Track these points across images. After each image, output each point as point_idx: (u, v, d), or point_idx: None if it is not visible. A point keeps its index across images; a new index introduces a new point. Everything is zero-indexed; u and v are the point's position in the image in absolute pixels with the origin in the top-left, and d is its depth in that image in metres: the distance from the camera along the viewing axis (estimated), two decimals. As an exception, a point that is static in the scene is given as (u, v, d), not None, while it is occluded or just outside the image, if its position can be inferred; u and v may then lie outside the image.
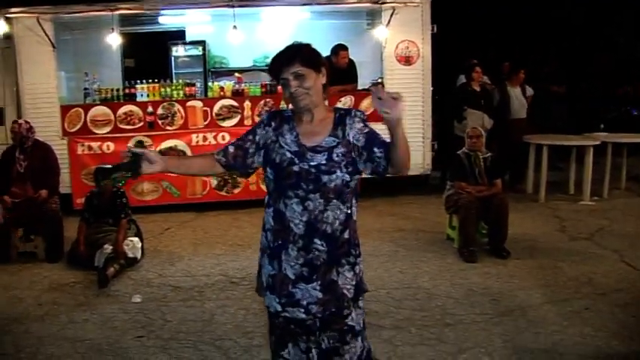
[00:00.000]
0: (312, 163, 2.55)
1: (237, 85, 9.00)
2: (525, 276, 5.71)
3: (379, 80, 9.11)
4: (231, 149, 2.69)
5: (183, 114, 8.83)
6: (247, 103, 8.89)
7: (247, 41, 9.51)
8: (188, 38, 10.40)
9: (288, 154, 2.58)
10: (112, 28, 9.08)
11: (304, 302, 2.60)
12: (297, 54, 2.58)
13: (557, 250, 6.48)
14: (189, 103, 8.87)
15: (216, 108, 8.85)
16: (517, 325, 4.60)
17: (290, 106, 2.66)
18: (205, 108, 8.85)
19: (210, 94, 9.16)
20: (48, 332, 4.75)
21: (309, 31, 9.75)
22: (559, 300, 5.10)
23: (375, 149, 2.59)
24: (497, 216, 6.32)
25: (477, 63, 9.34)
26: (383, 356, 4.12)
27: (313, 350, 2.68)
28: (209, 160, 2.72)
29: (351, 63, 9.08)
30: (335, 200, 2.57)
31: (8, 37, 8.84)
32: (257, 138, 2.68)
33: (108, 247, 6.15)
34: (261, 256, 2.74)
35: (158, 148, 8.61)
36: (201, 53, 10.10)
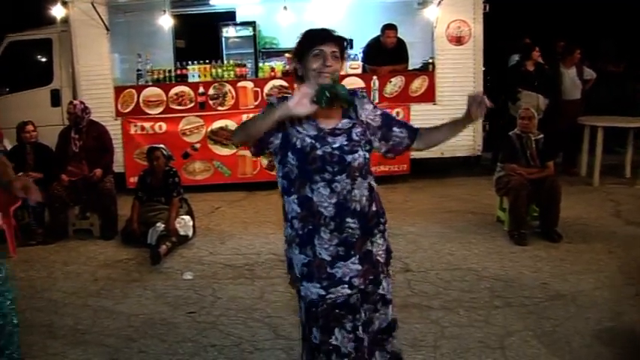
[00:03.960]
0: (334, 146, 2.59)
1: (287, 66, 9.02)
2: (577, 260, 5.58)
3: (430, 60, 9.00)
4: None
5: (234, 94, 8.90)
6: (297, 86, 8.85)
7: (297, 21, 9.46)
8: (238, 19, 10.45)
9: (308, 139, 2.60)
10: (164, 10, 9.22)
11: (346, 278, 2.64)
12: (340, 38, 2.64)
13: (611, 235, 6.28)
14: (240, 84, 8.93)
15: (266, 88, 8.88)
16: (567, 310, 4.50)
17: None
18: (256, 88, 8.90)
19: (260, 74, 9.20)
20: (104, 306, 4.90)
21: (359, 10, 9.77)
22: (611, 286, 4.96)
23: (395, 129, 2.75)
24: (549, 199, 6.20)
25: (532, 43, 9.16)
26: (430, 337, 4.11)
27: (360, 328, 2.71)
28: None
29: (401, 43, 8.96)
30: (359, 178, 2.63)
31: (65, 21, 9.05)
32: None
33: (160, 225, 6.29)
34: (289, 247, 2.75)
35: (209, 128, 8.74)
36: (251, 34, 10.15)
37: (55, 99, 9.58)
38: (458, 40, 8.97)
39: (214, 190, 8.78)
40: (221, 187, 8.88)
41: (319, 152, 2.58)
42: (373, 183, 2.75)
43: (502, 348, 3.96)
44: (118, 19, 9.54)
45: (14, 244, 6.46)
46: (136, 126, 8.90)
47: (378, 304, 2.78)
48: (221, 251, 6.21)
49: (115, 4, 9.18)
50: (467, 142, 8.97)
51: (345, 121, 2.67)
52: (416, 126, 2.85)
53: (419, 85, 8.83)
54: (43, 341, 4.20)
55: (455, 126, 2.74)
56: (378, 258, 2.74)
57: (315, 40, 2.60)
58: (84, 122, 7.06)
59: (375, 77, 8.77)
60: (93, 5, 8.72)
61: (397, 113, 8.59)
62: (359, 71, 8.86)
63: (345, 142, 2.62)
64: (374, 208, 2.71)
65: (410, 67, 9.14)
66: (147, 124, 8.90)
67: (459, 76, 8.88)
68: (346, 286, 2.64)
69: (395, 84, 8.78)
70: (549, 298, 4.74)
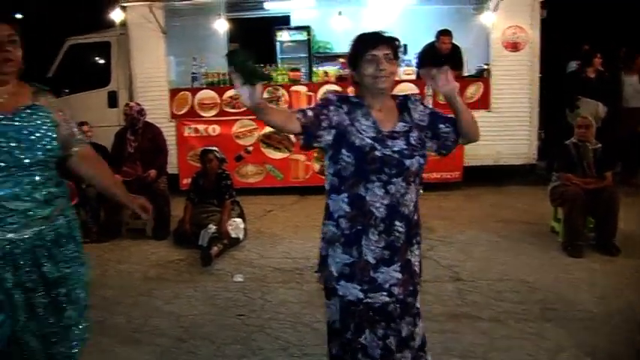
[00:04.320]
0: (394, 149, 2.61)
1: (341, 71, 9.03)
2: (634, 275, 5.38)
3: (485, 67, 8.90)
4: (309, 113, 2.62)
5: (288, 98, 8.97)
6: (351, 89, 8.82)
7: (352, 26, 9.48)
8: (293, 23, 10.54)
9: (368, 140, 2.60)
10: (219, 14, 9.34)
11: (386, 285, 2.66)
12: (394, 40, 2.65)
13: (674, 251, 6.05)
14: (293, 88, 9.00)
15: (320, 93, 8.90)
16: (625, 327, 4.33)
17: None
18: (309, 93, 8.94)
19: (314, 78, 9.26)
20: (154, 305, 4.97)
21: (413, 16, 9.71)
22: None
23: (441, 125, 2.75)
24: (606, 210, 6.02)
25: (592, 49, 8.97)
26: (480, 348, 4.04)
27: (392, 338, 2.72)
28: (289, 115, 2.63)
29: (456, 49, 8.88)
30: (413, 184, 2.66)
31: (123, 25, 9.29)
32: (331, 115, 2.62)
33: (212, 227, 6.35)
34: (328, 245, 2.75)
35: (262, 132, 8.81)
36: (305, 38, 10.18)
37: (112, 100, 9.80)
38: (514, 47, 8.85)
39: (266, 194, 8.84)
40: (273, 191, 8.93)
41: (378, 154, 2.59)
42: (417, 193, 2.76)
43: (554, 363, 3.86)
44: (174, 23, 9.67)
45: (70, 241, 6.56)
46: (190, 128, 9.03)
47: (416, 317, 2.80)
48: (271, 254, 6.24)
49: (172, 8, 9.32)
50: (522, 150, 8.85)
51: (401, 124, 2.69)
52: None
53: (473, 91, 8.75)
54: (95, 337, 4.21)
55: (453, 111, 2.74)
56: (415, 269, 2.79)
57: (367, 45, 2.61)
58: (140, 124, 7.20)
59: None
60: (150, 9, 8.91)
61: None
62: (413, 77, 8.83)
63: (405, 147, 2.63)
64: (416, 217, 2.75)
65: (465, 74, 9.05)
66: (201, 127, 9.02)
67: (515, 82, 8.78)
68: (385, 293, 2.67)
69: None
70: (605, 314, 4.57)
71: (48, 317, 2.76)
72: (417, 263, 2.80)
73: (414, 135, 2.67)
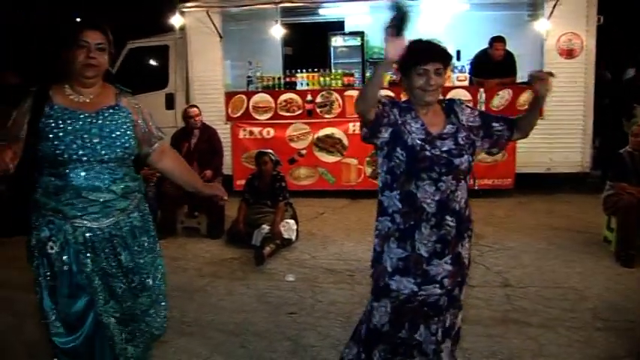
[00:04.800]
0: (443, 149, 2.75)
1: (394, 76, 9.07)
2: (688, 286, 5.30)
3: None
4: (385, 104, 2.77)
5: (341, 103, 9.04)
6: (404, 94, 8.87)
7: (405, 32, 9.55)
8: (347, 29, 10.63)
9: (418, 141, 2.74)
10: (276, 20, 9.50)
11: (438, 277, 2.80)
12: (445, 53, 2.79)
13: None
14: (347, 93, 9.07)
15: (373, 98, 8.95)
16: (678, 339, 4.28)
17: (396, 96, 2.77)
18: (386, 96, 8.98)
19: (368, 84, 9.29)
20: (208, 301, 5.12)
21: (467, 22, 9.71)
22: None
23: (494, 124, 2.92)
24: (660, 220, 5.96)
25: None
26: (527, 353, 4.06)
27: (439, 330, 2.87)
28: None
29: (509, 55, 8.83)
30: (463, 181, 2.81)
31: (181, 29, 9.53)
32: (390, 114, 2.76)
33: (265, 227, 6.49)
34: (383, 241, 2.88)
35: (316, 135, 8.93)
36: (359, 44, 10.29)
37: (170, 102, 10.06)
38: (569, 54, 8.74)
39: (318, 197, 8.95)
40: (325, 194, 9.04)
41: (428, 153, 2.72)
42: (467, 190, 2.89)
43: (602, 371, 3.84)
44: (230, 27, 9.89)
45: (127, 238, 6.79)
46: (244, 130, 9.21)
47: (458, 310, 2.96)
48: (323, 256, 6.34)
49: (229, 13, 9.52)
50: (575, 158, 8.75)
51: (450, 126, 2.82)
52: (513, 118, 3.02)
53: (526, 98, 8.64)
54: (151, 330, 4.45)
55: (532, 109, 2.97)
56: (465, 261, 2.93)
57: (420, 59, 2.72)
58: (198, 125, 7.39)
59: (481, 90, 8.70)
60: (208, 14, 9.13)
61: (503, 127, 8.51)
62: (466, 83, 8.85)
63: (453, 146, 2.77)
64: (467, 213, 2.88)
65: (518, 80, 8.96)
66: (255, 129, 9.20)
67: (569, 90, 8.63)
68: (437, 285, 2.80)
69: (502, 97, 8.67)
70: (658, 325, 4.52)
71: (126, 300, 2.99)
72: (466, 256, 2.93)
73: (461, 135, 2.81)
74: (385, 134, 2.78)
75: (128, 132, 2.92)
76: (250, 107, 9.27)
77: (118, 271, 2.95)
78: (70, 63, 2.84)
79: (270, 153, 7.00)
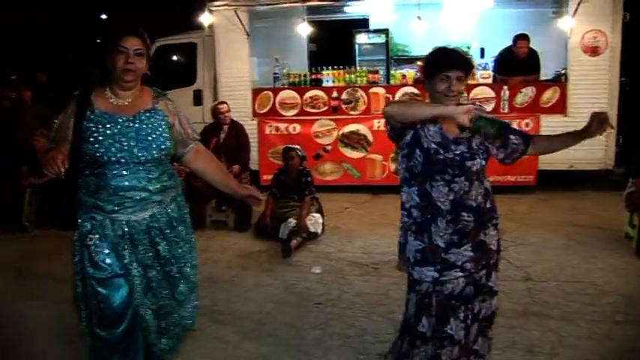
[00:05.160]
0: (456, 152, 2.89)
1: (418, 74, 9.17)
2: None
3: (563, 71, 8.88)
4: None
5: (366, 100, 9.19)
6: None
7: (429, 29, 9.60)
8: (371, 26, 10.69)
9: (433, 145, 2.90)
10: (303, 19, 9.71)
11: (459, 263, 2.93)
12: (467, 61, 2.94)
13: None
14: (372, 90, 9.21)
15: (398, 95, 9.07)
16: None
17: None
18: (387, 95, 9.12)
19: (392, 81, 9.45)
20: (236, 292, 5.31)
21: (491, 19, 9.75)
22: None
23: (511, 137, 3.03)
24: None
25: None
26: (547, 344, 4.14)
27: (470, 317, 3.00)
28: None
29: (532, 53, 8.84)
30: (476, 182, 2.93)
31: (209, 27, 9.73)
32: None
33: (292, 221, 6.66)
34: (404, 234, 3.07)
35: (341, 132, 9.08)
36: (384, 41, 10.36)
37: (198, 99, 10.28)
38: (593, 51, 8.73)
39: (343, 192, 9.08)
40: (350, 189, 9.16)
41: (441, 157, 2.88)
42: (488, 185, 3.02)
43: (621, 363, 3.91)
44: (257, 25, 10.04)
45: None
46: (271, 126, 9.39)
47: (487, 294, 3.05)
48: (348, 249, 6.47)
49: (256, 12, 9.67)
50: (598, 155, 8.76)
51: (466, 131, 2.93)
52: (530, 133, 3.15)
53: (550, 96, 8.72)
54: (183, 318, 4.64)
55: (572, 138, 3.00)
56: (491, 247, 3.02)
57: (443, 66, 2.87)
58: (226, 121, 7.57)
59: (505, 87, 8.76)
60: (236, 12, 9.31)
61: (526, 124, 8.59)
62: (489, 81, 8.90)
63: (466, 150, 2.90)
64: (488, 205, 2.99)
65: (542, 78, 9.03)
66: (282, 125, 9.38)
67: (593, 88, 8.66)
68: (459, 269, 2.93)
69: (525, 94, 8.73)
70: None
71: (162, 290, 3.16)
72: (493, 242, 3.03)
73: (476, 141, 2.94)
74: (408, 136, 2.96)
75: (164, 134, 3.07)
76: (277, 103, 9.44)
77: (155, 262, 3.12)
78: (110, 68, 3.01)
79: (297, 148, 7.15)
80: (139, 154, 2.99)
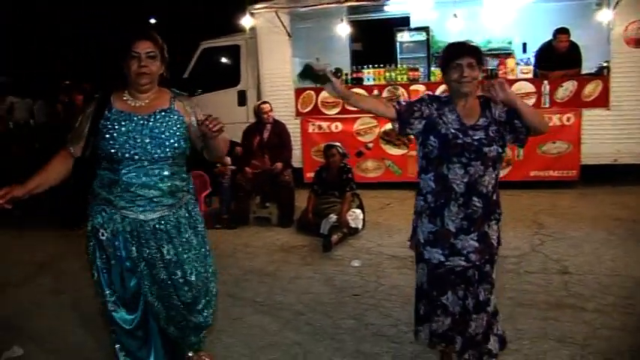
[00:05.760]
0: (474, 137, 3.12)
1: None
2: None
3: (605, 64, 8.78)
4: (402, 103, 3.24)
5: (407, 97, 9.22)
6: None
7: (470, 26, 9.65)
8: (412, 24, 10.79)
9: (452, 130, 3.14)
10: (342, 19, 9.90)
11: (464, 251, 3.19)
12: (475, 49, 3.16)
13: None
14: (412, 87, 9.29)
15: (438, 92, 9.10)
16: None
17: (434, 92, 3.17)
18: (428, 92, 9.16)
19: (432, 78, 9.52)
20: (278, 284, 5.50)
21: (533, 14, 9.74)
22: None
23: (516, 121, 3.18)
24: None
25: None
26: (579, 335, 4.17)
27: (470, 299, 3.25)
28: (382, 102, 3.37)
29: (573, 46, 8.75)
30: (490, 168, 3.16)
31: (252, 29, 9.99)
32: (423, 108, 3.20)
33: (333, 217, 6.83)
34: (417, 218, 3.34)
35: (382, 129, 9.21)
36: (424, 39, 10.46)
37: (242, 99, 10.52)
38: (637, 42, 8.60)
39: (385, 188, 9.20)
40: (391, 186, 9.27)
41: (460, 141, 3.11)
42: (498, 176, 3.25)
43: (654, 356, 3.95)
44: (299, 26, 10.24)
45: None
46: (313, 125, 9.58)
47: (491, 287, 3.30)
48: (388, 243, 6.60)
49: (297, 13, 9.85)
50: (640, 149, 8.71)
51: (483, 119, 3.18)
52: None
53: (592, 89, 8.63)
54: (226, 308, 4.84)
55: (517, 111, 3.15)
56: (492, 241, 3.27)
57: (453, 54, 3.13)
58: (269, 120, 7.78)
59: (545, 82, 8.73)
60: (277, 15, 9.52)
61: (568, 119, 8.59)
62: (530, 76, 8.89)
63: (484, 136, 3.13)
64: (494, 197, 3.24)
65: (584, 71, 8.93)
66: (324, 124, 9.55)
67: (637, 80, 8.56)
68: (463, 258, 3.20)
69: (566, 88, 8.67)
70: None
71: (167, 289, 3.32)
72: (494, 236, 3.28)
73: (493, 128, 3.16)
74: (419, 125, 3.21)
75: (178, 133, 3.20)
76: (319, 102, 9.60)
77: (160, 263, 3.26)
78: (125, 72, 3.17)
79: (338, 146, 7.30)
80: (153, 152, 3.13)
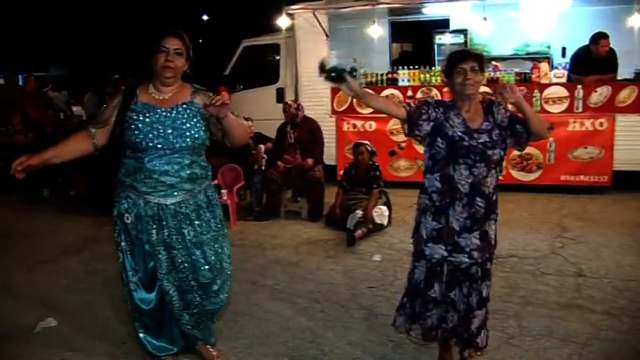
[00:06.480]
0: (479, 141, 3.30)
1: (492, 73, 9.28)
2: None
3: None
4: (412, 105, 3.41)
5: (441, 98, 9.31)
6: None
7: (508, 29, 9.80)
8: (452, 27, 10.82)
9: (459, 132, 3.32)
10: (374, 21, 10.06)
11: (467, 249, 3.35)
12: (478, 55, 3.36)
13: None
14: (445, 89, 9.31)
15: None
16: None
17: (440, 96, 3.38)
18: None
19: (467, 80, 9.54)
20: (299, 274, 5.76)
21: (571, 18, 9.73)
22: None
23: (517, 126, 3.41)
24: None
25: None
26: (583, 335, 4.28)
27: (474, 296, 3.45)
28: (396, 104, 3.50)
29: (611, 52, 8.69)
30: (493, 170, 3.34)
31: (290, 29, 10.31)
32: (430, 111, 3.37)
33: (359, 212, 7.03)
34: (421, 215, 3.51)
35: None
36: (462, 41, 10.50)
37: (280, 96, 10.79)
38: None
39: (416, 187, 9.19)
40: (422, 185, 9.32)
41: (466, 143, 3.29)
42: (498, 179, 3.45)
43: (656, 359, 3.98)
44: (337, 27, 10.44)
45: (235, 217, 7.68)
46: (348, 123, 9.78)
47: (489, 281, 3.52)
48: (410, 240, 6.69)
49: (335, 13, 10.06)
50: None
51: (486, 123, 3.36)
52: None
53: (627, 95, 8.55)
54: (246, 293, 5.13)
55: (523, 115, 3.36)
56: (491, 240, 3.46)
57: (457, 59, 3.33)
58: (298, 118, 8.03)
59: (579, 87, 8.71)
60: (314, 15, 9.76)
61: (600, 124, 8.59)
62: (563, 80, 8.88)
63: (488, 140, 3.31)
64: (494, 198, 3.41)
65: (620, 77, 8.87)
66: (358, 123, 9.73)
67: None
68: (466, 255, 3.36)
69: (600, 93, 8.63)
70: None
71: (184, 272, 3.60)
72: (493, 235, 3.47)
73: (495, 132, 3.34)
74: (427, 127, 3.37)
75: (198, 125, 3.49)
76: (354, 102, 9.74)
77: (180, 245, 3.55)
78: (152, 65, 3.47)
79: (367, 144, 7.50)
80: (174, 141, 3.43)
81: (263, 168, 8.02)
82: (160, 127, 3.42)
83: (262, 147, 7.95)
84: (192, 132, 3.47)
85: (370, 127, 9.66)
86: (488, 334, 3.65)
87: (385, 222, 7.27)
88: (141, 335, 3.83)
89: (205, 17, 29.35)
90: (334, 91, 9.84)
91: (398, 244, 6.67)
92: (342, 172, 8.09)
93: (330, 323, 4.58)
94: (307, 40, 10.02)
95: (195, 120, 3.49)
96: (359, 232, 6.75)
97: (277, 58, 11.14)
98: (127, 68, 13.60)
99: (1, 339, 4.47)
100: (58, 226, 7.97)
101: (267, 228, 7.47)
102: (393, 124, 9.45)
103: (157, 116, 3.44)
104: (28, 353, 4.25)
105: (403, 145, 9.51)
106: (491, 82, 9.02)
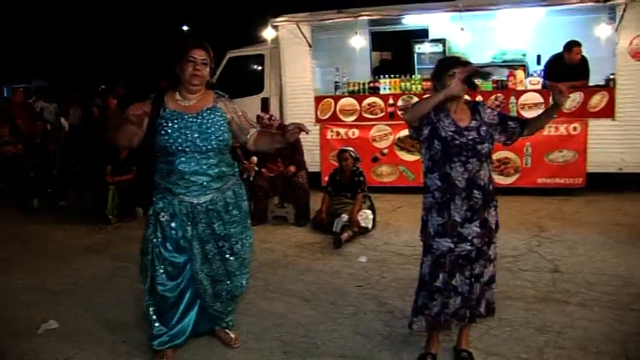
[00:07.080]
0: (469, 138, 3.64)
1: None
2: None
3: (612, 77, 9.08)
4: None
5: (420, 106, 9.59)
6: (479, 98, 9.14)
7: (485, 38, 10.14)
8: (431, 36, 11.13)
9: (450, 132, 3.64)
10: (356, 32, 10.38)
11: (470, 237, 3.70)
12: (465, 62, 3.71)
13: None
14: (426, 96, 9.58)
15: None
16: None
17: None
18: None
19: (445, 88, 9.82)
20: (289, 275, 6.01)
21: (545, 27, 10.10)
22: None
23: (510, 122, 3.82)
24: None
25: None
26: (558, 325, 4.54)
27: (474, 277, 3.79)
28: None
29: (583, 59, 9.05)
30: (484, 163, 3.68)
31: (274, 40, 10.57)
32: (429, 115, 3.67)
33: (345, 216, 7.28)
34: (426, 213, 3.85)
35: (397, 136, 9.67)
36: (441, 50, 10.80)
37: (265, 106, 11.06)
38: (641, 56, 8.82)
39: (398, 192, 9.55)
40: (405, 190, 9.56)
41: (457, 142, 3.62)
42: (490, 169, 3.80)
43: (624, 343, 4.23)
44: (320, 37, 10.72)
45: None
46: (332, 131, 10.03)
47: (487, 262, 3.82)
48: (395, 242, 7.03)
49: (318, 25, 10.31)
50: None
51: (474, 122, 3.72)
52: (525, 118, 4.00)
53: (598, 100, 8.89)
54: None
55: (548, 113, 3.77)
56: (491, 225, 3.80)
57: (447, 65, 3.67)
58: (272, 129, 8.08)
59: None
60: (298, 26, 10.03)
61: (574, 128, 8.92)
62: (538, 87, 9.18)
63: (477, 136, 3.66)
64: (491, 188, 3.77)
65: (592, 83, 9.20)
66: (342, 130, 9.99)
67: (641, 91, 8.79)
68: (469, 243, 3.71)
69: (573, 99, 8.91)
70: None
71: (216, 262, 3.96)
72: (493, 221, 3.81)
73: (483, 129, 3.71)
74: (425, 131, 3.72)
75: (222, 128, 3.85)
76: (337, 110, 10.03)
77: (210, 238, 3.92)
78: (179, 74, 3.83)
79: (351, 150, 7.76)
80: (201, 144, 3.77)
81: (252, 178, 8.22)
82: (188, 132, 3.76)
83: (255, 158, 8.18)
84: (217, 135, 3.82)
85: (353, 135, 9.91)
86: (494, 307, 4.03)
87: (370, 225, 7.52)
88: (154, 320, 4.05)
89: (185, 28, 29.57)
90: (318, 100, 10.13)
91: (382, 245, 6.93)
92: (327, 178, 8.30)
93: (321, 319, 4.83)
94: (291, 51, 10.28)
95: (219, 124, 3.84)
96: (345, 235, 7.00)
97: (262, 68, 11.43)
98: (113, 79, 13.82)
99: (7, 339, 4.69)
100: (51, 234, 8.18)
101: (255, 233, 7.38)
102: (376, 132, 9.75)
103: (185, 122, 3.78)
104: (32, 353, 4.46)
105: (385, 151, 9.78)
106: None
